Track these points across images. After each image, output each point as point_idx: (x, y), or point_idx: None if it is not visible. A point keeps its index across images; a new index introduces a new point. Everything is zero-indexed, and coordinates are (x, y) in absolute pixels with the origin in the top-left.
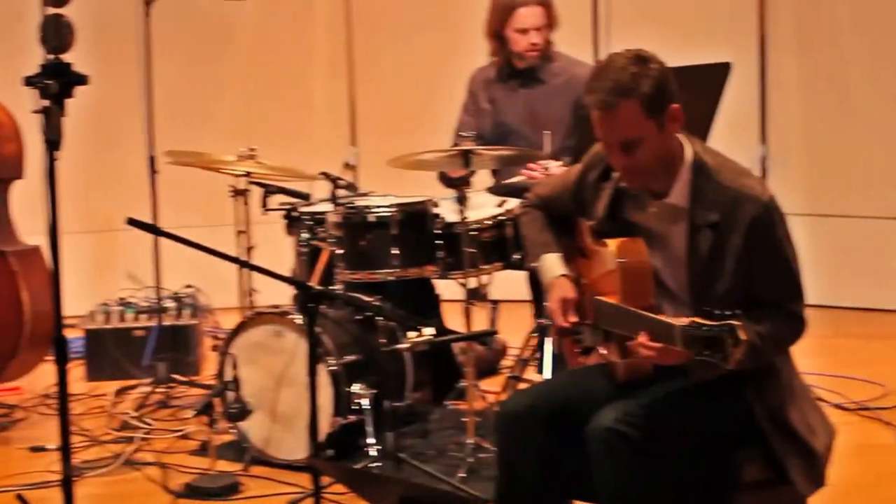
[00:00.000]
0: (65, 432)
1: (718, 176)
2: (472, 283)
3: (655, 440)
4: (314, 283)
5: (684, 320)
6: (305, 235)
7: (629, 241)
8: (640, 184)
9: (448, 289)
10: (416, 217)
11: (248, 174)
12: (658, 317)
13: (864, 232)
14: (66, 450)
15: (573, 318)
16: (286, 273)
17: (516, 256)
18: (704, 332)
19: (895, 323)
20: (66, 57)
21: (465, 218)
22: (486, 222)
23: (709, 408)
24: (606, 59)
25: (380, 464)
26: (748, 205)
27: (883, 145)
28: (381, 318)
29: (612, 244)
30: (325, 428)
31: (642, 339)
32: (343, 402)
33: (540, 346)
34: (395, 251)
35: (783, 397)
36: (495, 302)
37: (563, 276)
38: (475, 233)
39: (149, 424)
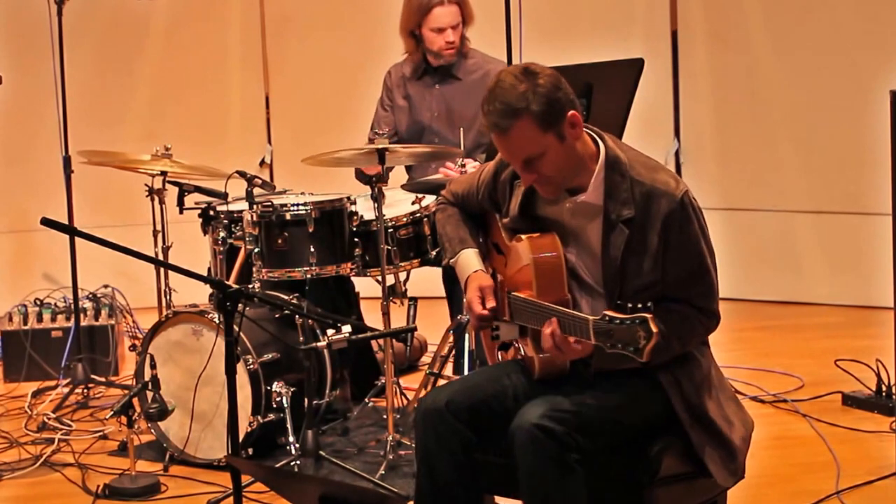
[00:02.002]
0: None
1: (632, 171)
2: (390, 280)
3: (579, 435)
4: (231, 281)
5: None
6: (222, 234)
7: (542, 237)
8: (555, 192)
9: (366, 286)
10: (332, 215)
11: (163, 173)
12: (571, 311)
13: (776, 225)
14: None
15: (492, 304)
16: (203, 272)
17: (433, 253)
18: (616, 325)
19: (810, 315)
20: None
21: (381, 215)
22: (402, 219)
23: (631, 402)
24: (495, 80)
25: (299, 462)
26: (663, 200)
27: (794, 139)
28: (300, 317)
29: (526, 240)
30: (244, 427)
31: (549, 329)
32: (262, 401)
33: (458, 343)
34: (312, 249)
35: (700, 389)
36: (413, 299)
37: (479, 270)
38: (392, 230)
39: (67, 425)
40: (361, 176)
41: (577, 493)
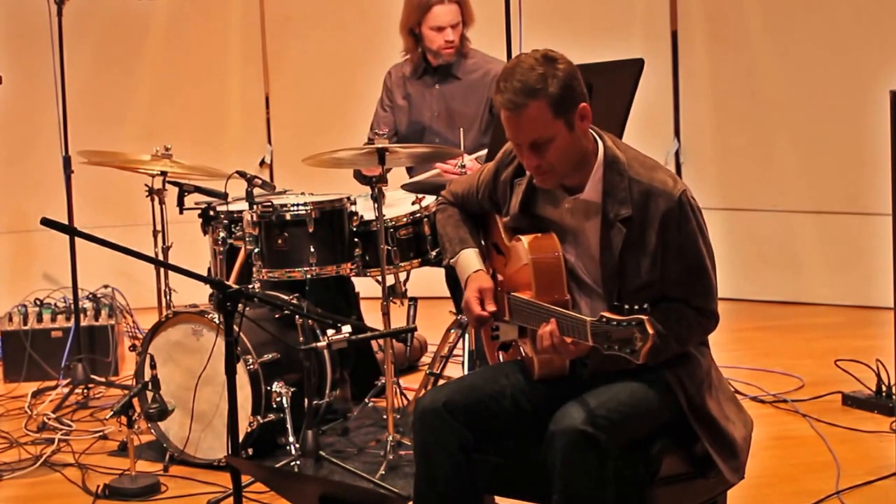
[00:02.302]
0: None
1: (630, 171)
2: (390, 280)
3: (616, 440)
4: (231, 282)
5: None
6: (222, 234)
7: (542, 237)
8: (553, 184)
9: (366, 286)
10: (332, 215)
11: (163, 173)
12: (569, 312)
13: (776, 225)
14: None
15: (492, 307)
16: (203, 272)
17: (433, 253)
18: (613, 326)
19: (810, 315)
20: None
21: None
22: (402, 219)
23: (652, 404)
24: (514, 60)
25: (299, 462)
26: (660, 199)
27: (794, 139)
28: (300, 317)
29: (525, 240)
30: (244, 427)
31: (548, 328)
32: (262, 401)
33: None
34: (312, 249)
35: (701, 388)
36: (413, 299)
37: (480, 270)
38: (392, 230)
39: (67, 426)
40: (360, 177)
41: (609, 496)
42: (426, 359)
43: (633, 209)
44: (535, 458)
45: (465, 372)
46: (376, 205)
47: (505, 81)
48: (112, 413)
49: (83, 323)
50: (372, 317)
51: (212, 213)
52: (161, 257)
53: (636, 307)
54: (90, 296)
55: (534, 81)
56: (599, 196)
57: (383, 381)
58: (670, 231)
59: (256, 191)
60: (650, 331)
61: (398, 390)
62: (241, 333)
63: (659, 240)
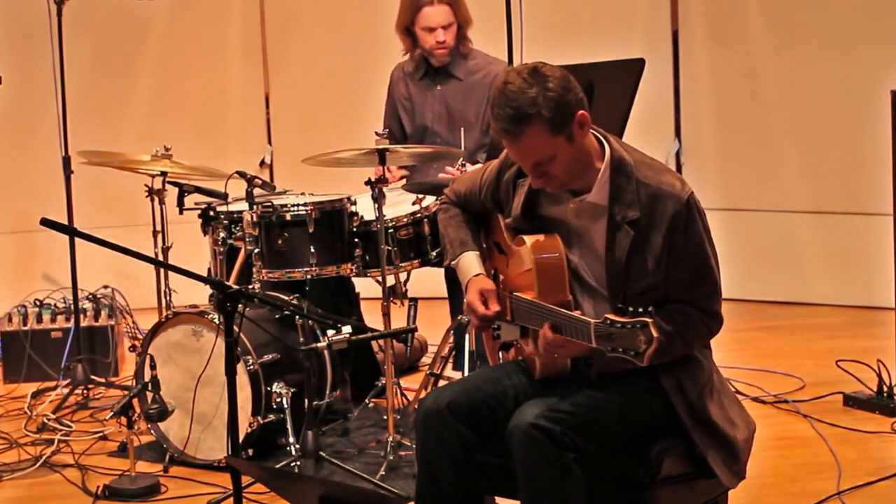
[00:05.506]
0: None
1: (637, 173)
2: (390, 280)
3: (576, 435)
4: (231, 282)
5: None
6: (222, 235)
7: (545, 238)
8: (559, 189)
9: (366, 286)
10: (333, 215)
11: (163, 173)
12: (573, 314)
13: (778, 225)
14: None
15: (495, 307)
16: (203, 273)
17: (434, 254)
18: (617, 329)
19: (811, 315)
20: None
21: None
22: (403, 220)
23: (630, 403)
24: (503, 80)
25: (300, 463)
26: (669, 202)
27: (794, 139)
28: (300, 317)
29: (529, 241)
30: (244, 428)
31: (545, 332)
32: (262, 402)
33: (459, 343)
34: (312, 249)
35: (703, 391)
36: (414, 299)
37: (481, 274)
38: (392, 230)
39: (67, 426)
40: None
41: (575, 492)
42: (426, 359)
43: (640, 212)
44: None
45: (464, 369)
46: (376, 205)
47: (498, 108)
48: (112, 414)
49: (83, 323)
50: (372, 317)
51: (212, 213)
52: (161, 258)
53: (640, 310)
54: (90, 296)
55: (526, 106)
56: (606, 198)
57: (383, 381)
58: (677, 233)
59: (256, 191)
60: (655, 334)
61: (398, 391)
62: (241, 334)
63: (665, 242)
